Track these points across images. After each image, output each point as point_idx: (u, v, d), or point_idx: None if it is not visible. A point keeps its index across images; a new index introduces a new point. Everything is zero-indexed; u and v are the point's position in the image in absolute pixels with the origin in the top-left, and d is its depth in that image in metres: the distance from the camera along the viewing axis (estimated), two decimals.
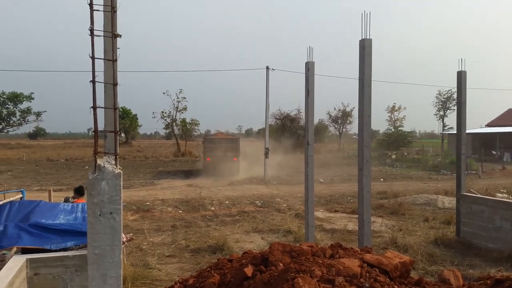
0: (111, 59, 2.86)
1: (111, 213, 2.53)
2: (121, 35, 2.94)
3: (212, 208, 13.48)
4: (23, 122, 45.87)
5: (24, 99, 44.29)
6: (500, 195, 14.67)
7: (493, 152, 37.28)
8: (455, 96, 40.70)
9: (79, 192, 8.35)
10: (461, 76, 8.87)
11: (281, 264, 3.42)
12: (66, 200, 8.02)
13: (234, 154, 24.75)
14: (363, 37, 6.11)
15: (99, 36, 2.86)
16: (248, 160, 25.90)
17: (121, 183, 2.63)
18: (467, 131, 9.36)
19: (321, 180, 21.53)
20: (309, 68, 7.46)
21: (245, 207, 13.68)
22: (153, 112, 49.56)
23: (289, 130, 48.23)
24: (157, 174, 26.08)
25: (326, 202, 15.01)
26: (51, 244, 4.65)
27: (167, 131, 58.59)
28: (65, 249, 4.82)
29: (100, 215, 2.52)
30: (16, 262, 3.86)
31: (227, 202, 14.78)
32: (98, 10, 2.85)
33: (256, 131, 72.83)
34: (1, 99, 43.61)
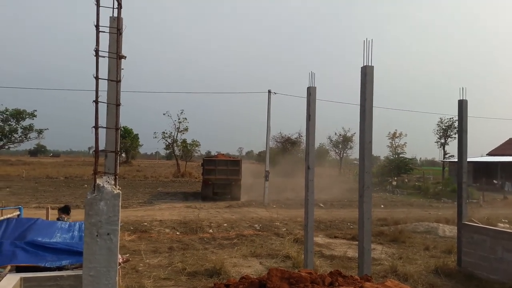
0: (115, 80, 2.89)
1: (108, 234, 2.50)
2: (126, 57, 2.98)
3: (210, 231, 13.34)
4: (24, 139, 46.01)
5: (27, 116, 44.53)
6: (502, 225, 14.51)
7: (494, 181, 37.13)
8: (456, 124, 40.89)
9: (66, 211, 8.27)
10: (462, 105, 8.93)
11: None
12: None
13: (236, 176, 23.77)
14: (365, 64, 6.18)
15: (104, 56, 2.90)
16: (248, 182, 25.65)
17: (120, 204, 2.61)
18: (468, 159, 9.34)
19: (321, 205, 21.38)
20: (311, 93, 7.52)
21: (244, 231, 13.54)
22: (155, 132, 49.76)
23: (289, 153, 48.26)
24: (156, 195, 25.91)
25: (326, 227, 14.86)
26: (45, 262, 4.58)
27: (168, 151, 58.68)
28: (60, 268, 4.75)
29: (97, 235, 2.49)
30: (10, 281, 3.80)
31: (225, 224, 14.64)
32: (104, 32, 2.90)
33: (257, 154, 72.83)
34: (4, 115, 43.87)
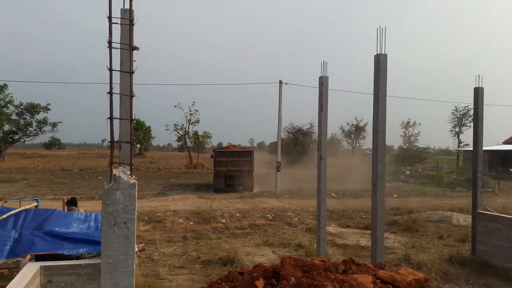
0: (128, 71, 2.92)
1: (125, 222, 2.55)
2: (138, 48, 3.00)
3: (223, 221, 13.46)
4: (39, 132, 46.80)
5: (41, 110, 45.23)
6: None
7: (510, 169, 36.55)
8: (471, 112, 40.22)
9: (73, 203, 8.33)
10: (478, 93, 8.79)
11: (292, 279, 3.40)
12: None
13: (249, 167, 23.18)
14: (378, 52, 6.11)
15: (117, 48, 2.92)
16: (259, 173, 25.61)
17: (136, 193, 2.66)
18: (484, 148, 9.22)
19: (333, 195, 21.35)
20: (323, 82, 7.48)
21: (256, 220, 13.62)
22: (167, 125, 50.08)
23: (301, 144, 48.12)
24: (169, 186, 26.16)
25: (338, 217, 14.86)
26: (63, 250, 4.69)
27: (180, 143, 59.06)
28: (77, 257, 4.86)
29: (114, 224, 2.54)
30: (30, 269, 3.90)
31: (238, 214, 14.74)
32: (116, 23, 2.92)
33: (268, 145, 72.81)
34: (19, 109, 44.62)
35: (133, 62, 3.00)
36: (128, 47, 2.92)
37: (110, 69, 2.80)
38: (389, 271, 3.74)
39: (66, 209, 8.31)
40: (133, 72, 2.90)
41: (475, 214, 8.88)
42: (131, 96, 2.91)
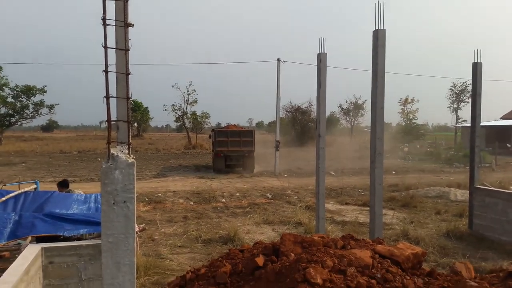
0: (123, 49, 2.86)
1: (124, 201, 2.55)
2: (133, 25, 2.94)
3: (223, 200, 13.54)
4: (36, 114, 46.54)
5: (37, 92, 44.86)
6: None
7: (507, 145, 36.70)
8: (469, 88, 40.11)
9: (65, 185, 8.26)
10: (476, 68, 8.72)
11: (292, 255, 3.43)
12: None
13: (250, 148, 22.56)
14: (377, 28, 6.03)
15: (111, 25, 2.86)
16: (258, 153, 25.59)
17: (135, 172, 2.64)
18: (481, 123, 9.22)
19: (332, 173, 21.45)
20: (321, 59, 7.40)
21: (256, 199, 13.71)
22: (164, 105, 49.86)
23: (300, 123, 48.07)
24: (169, 167, 26.19)
25: (337, 194, 14.97)
26: (64, 231, 4.72)
27: (178, 124, 58.97)
28: (78, 238, 4.89)
29: (113, 203, 2.53)
30: (31, 251, 3.93)
31: (237, 194, 14.83)
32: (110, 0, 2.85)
33: (267, 124, 72.79)
34: (15, 92, 44.22)
35: (129, 40, 2.94)
36: (123, 24, 2.86)
37: (105, 47, 2.74)
38: (388, 245, 3.78)
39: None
40: (128, 50, 2.85)
41: (472, 189, 8.96)
42: (127, 74, 2.86)
